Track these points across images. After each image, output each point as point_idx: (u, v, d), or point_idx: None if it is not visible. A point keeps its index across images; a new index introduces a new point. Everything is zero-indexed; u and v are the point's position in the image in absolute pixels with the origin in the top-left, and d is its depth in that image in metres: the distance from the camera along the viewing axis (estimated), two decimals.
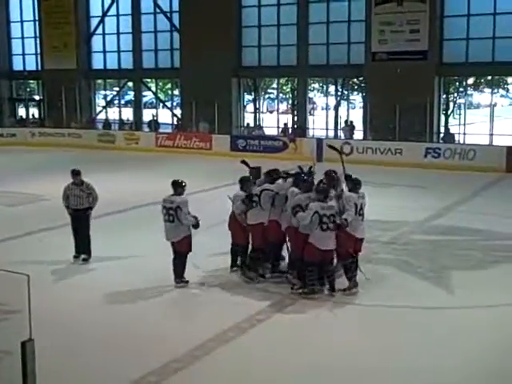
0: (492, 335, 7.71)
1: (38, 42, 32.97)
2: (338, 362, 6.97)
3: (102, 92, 34.07)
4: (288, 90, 31.48)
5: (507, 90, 31.82)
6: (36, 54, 33.24)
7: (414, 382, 6.60)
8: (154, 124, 29.71)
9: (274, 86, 31.11)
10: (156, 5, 29.57)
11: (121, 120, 32.08)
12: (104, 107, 33.03)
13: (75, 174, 10.83)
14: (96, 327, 7.92)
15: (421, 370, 6.77)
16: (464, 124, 25.33)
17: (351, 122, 26.59)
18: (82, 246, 10.74)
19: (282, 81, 30.87)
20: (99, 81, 33.41)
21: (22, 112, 35.25)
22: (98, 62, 31.94)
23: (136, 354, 7.13)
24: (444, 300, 8.96)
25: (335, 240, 8.90)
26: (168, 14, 29.47)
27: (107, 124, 31.13)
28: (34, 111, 34.84)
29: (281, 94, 31.42)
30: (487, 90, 28.48)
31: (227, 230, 10.13)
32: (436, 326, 8.00)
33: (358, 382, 6.61)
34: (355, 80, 28.94)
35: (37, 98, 34.96)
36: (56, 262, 10.66)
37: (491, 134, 23.93)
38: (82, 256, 10.70)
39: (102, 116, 32.56)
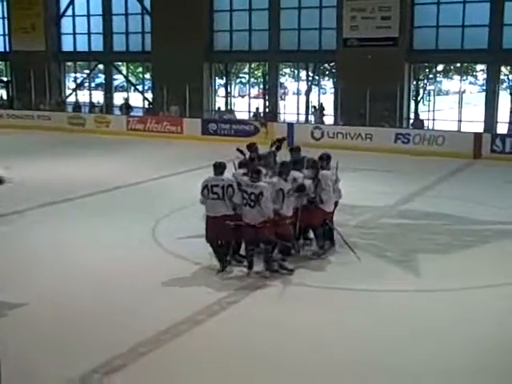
0: (455, 318, 7.88)
1: (5, 22, 32.43)
2: (301, 349, 7.10)
3: (72, 74, 33.68)
4: (259, 74, 31.45)
5: (476, 77, 32.18)
6: (4, 35, 32.69)
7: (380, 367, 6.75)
8: (126, 107, 29.50)
9: (246, 70, 31.07)
10: None
11: (91, 103, 31.78)
12: (74, 90, 32.66)
13: None
14: (66, 309, 7.93)
15: (390, 354, 6.93)
16: (433, 110, 25.64)
17: (321, 104, 26.71)
18: None
19: (254, 65, 30.82)
20: (69, 63, 33.01)
21: None
22: (67, 44, 31.52)
23: (102, 339, 7.16)
24: (412, 283, 9.11)
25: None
26: None
27: (77, 107, 30.83)
28: (2, 93, 34.34)
29: (252, 79, 31.37)
30: (456, 77, 28.80)
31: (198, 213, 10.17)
32: (402, 309, 8.15)
33: (328, 371, 6.72)
34: (326, 65, 29.04)
35: (5, 79, 34.44)
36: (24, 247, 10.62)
37: (460, 121, 24.24)
38: None
39: (72, 99, 32.21)
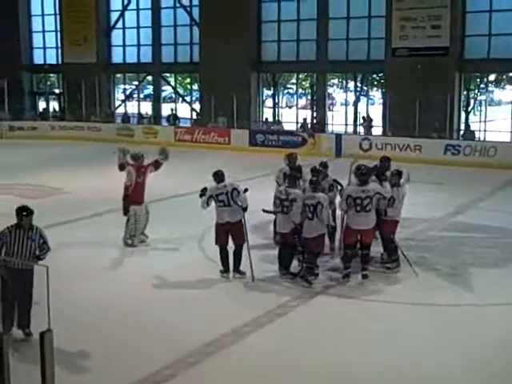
0: (506, 333, 7.65)
1: (58, 35, 33.12)
2: (353, 358, 6.96)
3: (122, 86, 34.17)
4: (307, 85, 31.36)
5: None
6: (56, 47, 33.37)
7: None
8: (173, 118, 29.76)
9: (294, 81, 31.03)
10: None
11: (139, 114, 32.15)
12: (123, 101, 33.13)
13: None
14: (113, 320, 7.95)
15: (436, 366, 6.75)
16: (485, 121, 25.10)
17: (368, 115, 26.47)
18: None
19: (302, 76, 30.77)
20: (118, 75, 33.51)
21: (42, 105, 35.48)
22: (117, 56, 32.04)
23: (150, 348, 7.16)
24: (462, 297, 8.92)
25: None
26: (188, 8, 29.48)
27: (126, 118, 31.24)
28: (55, 105, 35.05)
29: (300, 89, 31.32)
30: (509, 87, 28.21)
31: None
32: (453, 323, 7.96)
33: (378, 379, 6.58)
34: (375, 76, 28.79)
35: (57, 91, 35.15)
36: (75, 255, 10.74)
37: None
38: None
39: (121, 110, 32.67)
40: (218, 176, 9.66)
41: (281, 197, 9.45)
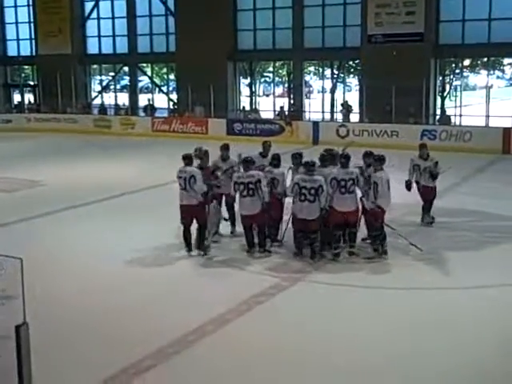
0: (487, 315, 7.77)
1: (32, 27, 32.80)
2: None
3: (98, 77, 33.94)
4: (284, 73, 31.38)
5: (503, 72, 31.74)
6: (30, 39, 33.08)
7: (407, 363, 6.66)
8: (150, 109, 29.64)
9: (270, 69, 31.04)
10: None
11: (116, 105, 31.99)
12: (99, 92, 32.92)
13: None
14: (91, 312, 7.95)
15: (412, 347, 6.85)
16: (460, 106, 25.30)
17: (346, 101, 26.54)
18: None
19: (278, 64, 30.77)
20: (94, 66, 33.27)
21: (17, 98, 35.13)
22: (93, 47, 31.80)
23: (129, 338, 7.16)
24: (439, 280, 9.01)
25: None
26: None
27: (103, 109, 31.07)
28: (30, 97, 34.73)
29: (277, 78, 31.33)
30: (483, 72, 28.44)
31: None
32: (430, 305, 8.05)
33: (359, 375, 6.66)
34: (351, 63, 28.87)
35: (32, 83, 34.82)
36: (50, 248, 10.71)
37: (487, 116, 23.94)
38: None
39: (97, 101, 32.46)
40: (184, 159, 10.12)
41: (244, 181, 9.78)
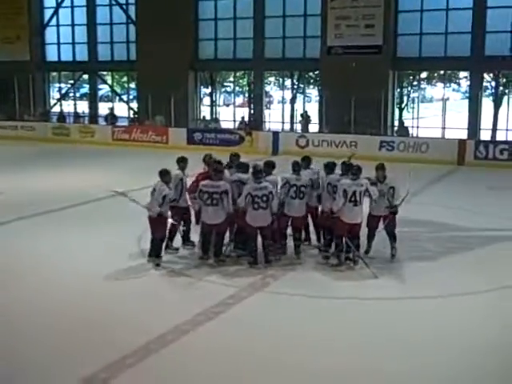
0: (439, 324, 7.92)
1: None
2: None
3: (57, 84, 33.60)
4: (244, 83, 31.53)
5: (459, 85, 32.38)
6: None
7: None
8: (111, 117, 29.44)
9: (231, 79, 31.15)
10: None
11: (76, 113, 31.70)
12: (58, 100, 32.60)
13: None
14: (47, 326, 7.88)
15: (363, 360, 6.96)
16: (417, 117, 25.78)
17: (306, 112, 26.78)
18: None
19: (239, 74, 30.91)
20: (54, 73, 32.95)
21: None
22: (52, 54, 31.52)
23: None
24: (396, 290, 9.16)
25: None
26: (124, 6, 29.25)
27: (62, 117, 30.74)
28: None
29: (237, 88, 31.46)
30: (440, 85, 29.01)
31: None
32: (387, 316, 8.18)
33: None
34: (311, 74, 29.16)
35: None
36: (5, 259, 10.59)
37: (443, 128, 24.45)
38: None
39: (56, 109, 32.12)
40: (161, 174, 10.09)
41: (208, 190, 9.79)
